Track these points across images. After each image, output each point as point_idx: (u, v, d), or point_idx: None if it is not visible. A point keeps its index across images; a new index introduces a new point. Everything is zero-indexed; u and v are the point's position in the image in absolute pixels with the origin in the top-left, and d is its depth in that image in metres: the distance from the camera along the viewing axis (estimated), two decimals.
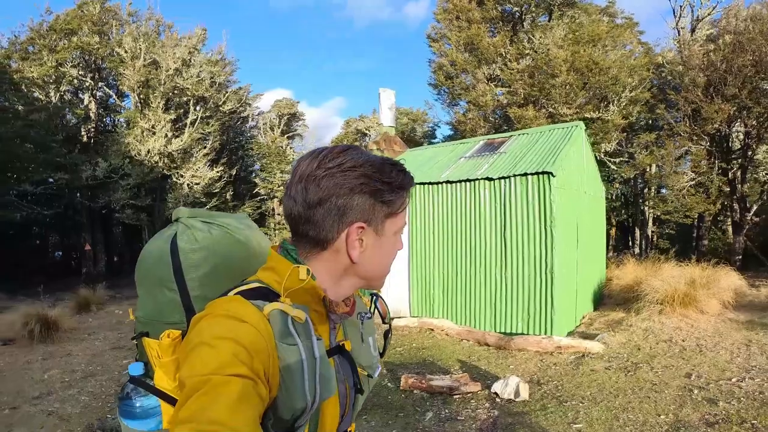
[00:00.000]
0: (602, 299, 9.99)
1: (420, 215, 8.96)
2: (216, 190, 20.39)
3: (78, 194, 19.41)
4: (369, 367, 1.14)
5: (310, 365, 0.88)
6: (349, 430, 1.12)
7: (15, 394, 5.45)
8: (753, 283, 10.55)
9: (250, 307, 0.88)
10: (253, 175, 28.30)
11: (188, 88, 19.42)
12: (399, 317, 8.96)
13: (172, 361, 1.04)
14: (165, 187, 19.17)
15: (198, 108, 19.65)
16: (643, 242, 21.15)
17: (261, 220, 27.16)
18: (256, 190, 26.99)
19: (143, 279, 1.14)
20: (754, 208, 14.79)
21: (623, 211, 23.08)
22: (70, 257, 24.92)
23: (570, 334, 7.72)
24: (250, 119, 29.33)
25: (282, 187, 26.32)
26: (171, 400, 1.04)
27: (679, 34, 18.94)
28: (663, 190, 17.58)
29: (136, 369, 1.08)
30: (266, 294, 0.94)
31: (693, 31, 18.06)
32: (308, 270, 0.95)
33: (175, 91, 19.52)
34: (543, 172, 7.34)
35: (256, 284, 0.96)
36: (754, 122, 13.52)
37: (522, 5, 17.73)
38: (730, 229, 18.01)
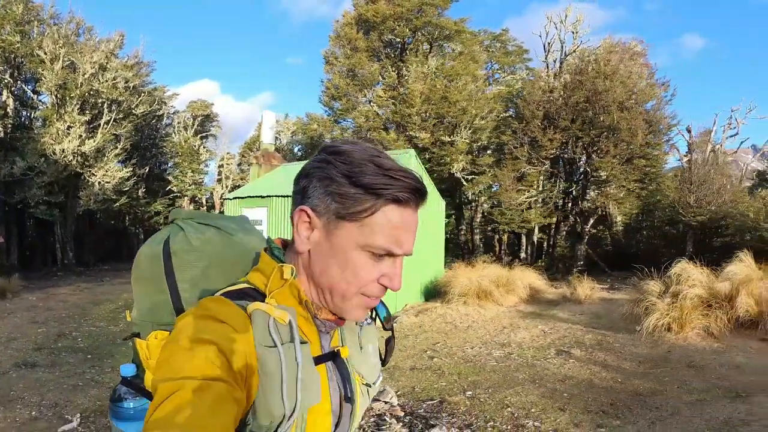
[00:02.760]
0: (436, 294, 12.55)
1: (277, 226, 11.25)
2: (126, 188, 21.70)
3: None
4: (368, 376, 1.09)
5: (291, 370, 0.84)
6: None
7: None
8: (553, 283, 13.41)
9: (232, 308, 0.86)
10: (167, 172, 29.48)
11: (103, 92, 20.74)
12: None
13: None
14: (78, 185, 20.44)
15: (112, 110, 21.00)
16: (529, 248, 23.69)
17: None
18: (169, 187, 28.27)
19: (137, 280, 1.10)
20: (591, 221, 18.04)
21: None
22: None
23: None
24: (165, 117, 30.55)
25: (193, 186, 27.90)
26: None
27: (548, 68, 22.04)
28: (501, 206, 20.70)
29: (128, 370, 1.05)
30: (252, 295, 0.92)
31: (561, 63, 21.10)
32: (292, 270, 0.92)
33: (91, 92, 20.77)
34: None
35: (244, 285, 0.95)
36: (582, 150, 16.75)
37: (404, 37, 20.27)
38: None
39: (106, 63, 21.28)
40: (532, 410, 4.93)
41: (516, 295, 11.30)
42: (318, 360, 0.94)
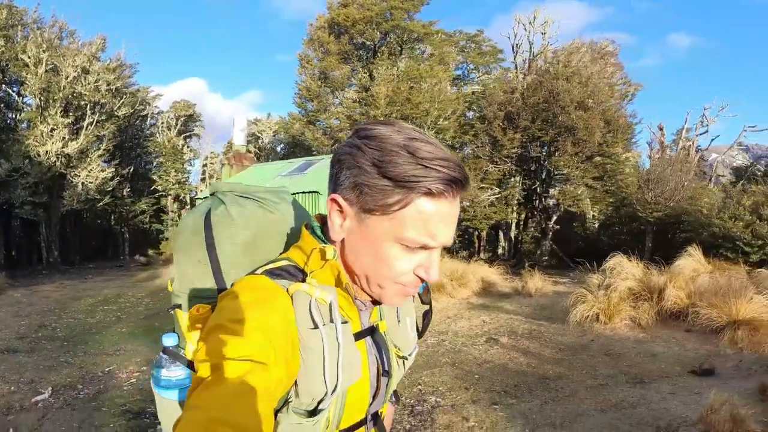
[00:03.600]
0: None
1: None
2: (109, 188, 22.27)
3: None
4: (405, 348, 1.10)
5: (332, 351, 0.86)
6: (380, 410, 1.09)
7: None
8: (514, 277, 13.82)
9: (274, 287, 0.87)
10: (151, 172, 30.01)
11: (86, 94, 21.29)
12: None
13: (198, 337, 0.98)
14: (62, 185, 20.99)
15: (95, 112, 21.55)
16: (507, 244, 24.22)
17: (157, 215, 29.11)
18: (153, 186, 28.82)
19: (178, 252, 1.11)
20: (554, 218, 18.83)
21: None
22: None
23: None
24: (149, 118, 31.08)
25: (177, 185, 28.46)
26: None
27: (516, 69, 22.75)
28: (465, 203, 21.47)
29: (170, 340, 1.06)
30: (293, 273, 0.92)
31: (530, 64, 21.83)
32: (334, 250, 0.92)
33: (74, 95, 21.30)
34: (313, 192, 10.55)
35: (285, 262, 0.95)
36: (540, 148, 17.54)
37: (374, 40, 20.97)
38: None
39: (89, 66, 21.79)
40: (440, 388, 5.42)
41: (469, 289, 11.78)
42: (358, 336, 0.95)
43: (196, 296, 1.06)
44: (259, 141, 31.12)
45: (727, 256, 13.14)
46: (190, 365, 1.04)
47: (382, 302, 0.97)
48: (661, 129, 28.66)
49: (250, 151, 28.19)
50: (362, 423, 1.01)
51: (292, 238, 1.06)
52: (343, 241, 0.94)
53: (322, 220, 1.01)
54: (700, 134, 27.60)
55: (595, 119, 16.17)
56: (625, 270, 9.01)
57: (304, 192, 10.82)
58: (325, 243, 0.94)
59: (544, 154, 18.06)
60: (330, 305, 0.87)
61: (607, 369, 6.15)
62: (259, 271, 0.92)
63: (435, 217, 0.85)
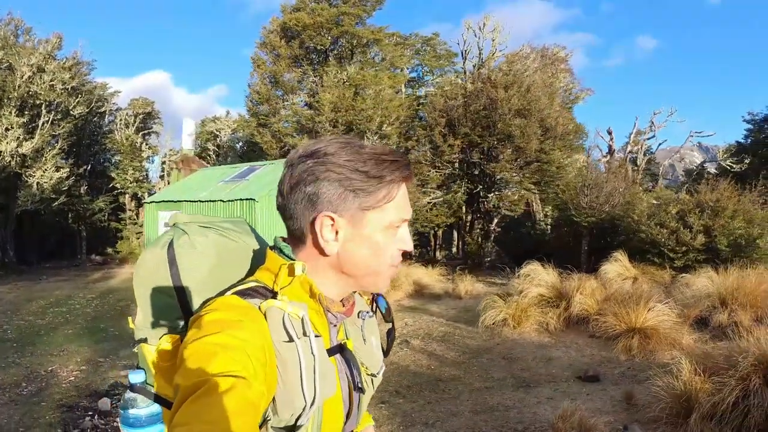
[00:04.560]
0: None
1: None
2: (65, 188, 22.37)
3: None
4: (372, 367, 1.14)
5: (308, 363, 0.88)
6: (354, 430, 1.12)
7: None
8: (443, 278, 14.33)
9: (246, 305, 0.91)
10: (110, 169, 29.95)
11: (41, 94, 21.35)
12: None
13: (171, 366, 0.97)
14: (17, 185, 21.06)
15: (50, 111, 21.62)
16: (461, 244, 24.83)
17: (115, 213, 29.17)
18: (112, 184, 28.84)
19: (140, 286, 1.09)
20: (495, 220, 19.74)
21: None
22: None
23: None
24: (107, 115, 31.04)
25: (134, 183, 28.56)
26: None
27: (465, 75, 23.48)
28: None
29: (138, 377, 1.00)
30: (262, 293, 0.95)
31: (478, 70, 22.54)
32: (303, 266, 0.95)
33: (29, 94, 21.35)
34: (249, 199, 11.13)
35: (253, 283, 0.98)
36: (480, 155, 18.39)
37: (324, 45, 21.57)
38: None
39: (44, 65, 21.86)
40: None
41: (402, 291, 12.22)
42: (329, 352, 0.98)
43: (163, 327, 1.05)
44: (218, 139, 31.34)
45: (654, 261, 13.67)
46: (159, 400, 1.00)
47: (380, 290, 1.08)
48: (610, 133, 29.85)
49: (201, 156, 28.48)
50: None
51: (256, 264, 1.09)
52: (337, 255, 0.98)
53: (289, 241, 1.04)
54: (648, 139, 28.86)
55: (532, 127, 16.90)
56: (538, 276, 9.43)
57: (241, 199, 11.37)
58: (293, 260, 0.99)
59: (484, 159, 18.86)
60: (302, 320, 0.90)
61: (500, 372, 6.46)
62: (228, 292, 0.96)
63: (405, 196, 1.01)
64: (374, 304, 1.19)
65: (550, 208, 21.18)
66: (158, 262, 1.07)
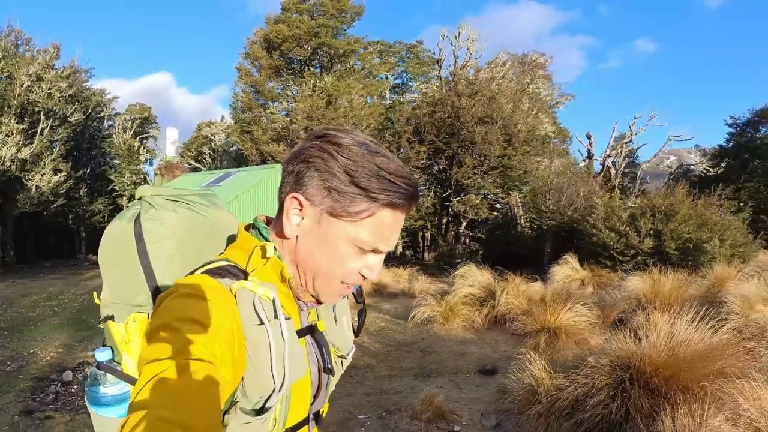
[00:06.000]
0: None
1: None
2: (63, 191, 23.46)
3: None
4: (343, 348, 1.15)
5: (278, 346, 0.88)
6: (321, 410, 1.12)
7: None
8: (407, 280, 14.96)
9: (216, 285, 0.89)
10: (108, 172, 31.02)
11: (39, 102, 22.40)
12: None
13: (139, 345, 0.99)
14: (16, 189, 22.12)
15: (48, 118, 22.66)
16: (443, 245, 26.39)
17: (113, 214, 30.11)
18: (111, 186, 29.98)
19: (106, 261, 1.08)
20: (464, 223, 20.70)
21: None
22: None
23: None
24: (106, 119, 32.19)
25: (132, 186, 29.61)
26: None
27: (441, 82, 24.38)
28: None
29: (104, 354, 1.03)
30: (233, 272, 0.94)
31: (453, 79, 23.45)
32: (275, 248, 0.95)
33: (28, 102, 22.39)
34: None
35: (224, 263, 0.96)
36: (445, 160, 19.38)
37: (303, 56, 22.64)
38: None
39: (43, 74, 22.90)
40: None
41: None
42: (298, 334, 0.99)
43: (131, 305, 1.03)
44: (212, 143, 32.39)
45: (606, 264, 14.11)
46: (126, 378, 1.03)
47: (321, 300, 1.02)
48: (589, 137, 30.71)
49: (198, 159, 29.44)
50: (305, 422, 1.03)
51: (226, 240, 1.08)
52: (296, 240, 0.97)
53: (267, 220, 1.05)
54: (626, 143, 29.63)
55: (495, 133, 17.68)
56: (472, 276, 9.99)
57: None
58: (267, 242, 0.97)
59: (448, 165, 19.76)
60: (273, 302, 0.90)
61: (410, 363, 6.80)
62: (199, 271, 0.94)
63: (391, 227, 0.94)
64: None
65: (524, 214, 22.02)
66: (125, 237, 1.05)
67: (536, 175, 19.31)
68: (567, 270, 13.09)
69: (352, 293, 1.10)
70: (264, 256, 0.95)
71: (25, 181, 21.96)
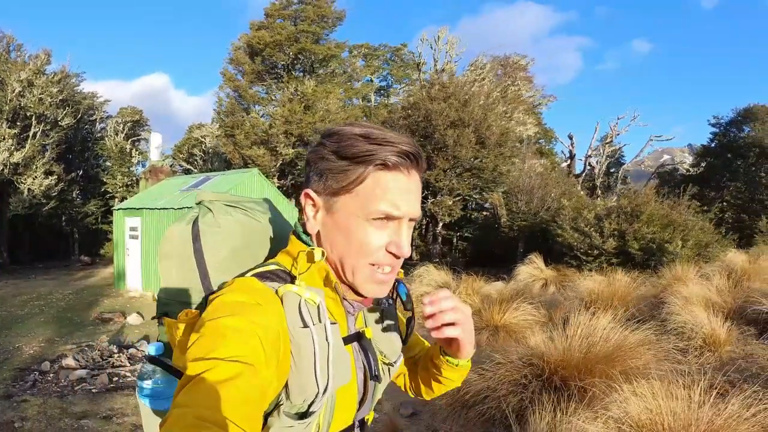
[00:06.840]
0: None
1: (149, 234, 13.87)
2: (54, 193, 23.98)
3: None
4: (391, 355, 1.13)
5: (322, 350, 0.88)
6: (366, 417, 1.11)
7: None
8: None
9: (264, 288, 0.91)
10: (101, 174, 31.53)
11: (31, 107, 22.94)
12: None
13: (187, 341, 0.93)
14: (8, 192, 22.70)
15: (40, 122, 23.19)
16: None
17: (105, 216, 30.74)
18: (104, 188, 30.57)
19: (165, 260, 1.13)
20: (440, 225, 21.26)
21: None
22: None
23: None
24: (98, 122, 32.77)
25: (123, 188, 30.18)
26: None
27: (420, 84, 24.86)
28: None
29: (155, 349, 1.06)
30: (281, 276, 0.96)
31: (431, 78, 23.96)
32: (322, 252, 0.96)
33: (20, 107, 22.94)
34: (192, 207, 12.72)
35: (273, 266, 0.98)
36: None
37: (285, 62, 23.28)
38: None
39: (34, 80, 23.40)
40: None
41: None
42: (345, 340, 0.99)
43: (184, 302, 1.07)
44: (203, 145, 32.97)
45: (572, 264, 14.28)
46: (176, 373, 1.06)
47: (360, 291, 1.00)
48: (570, 138, 31.32)
49: (189, 161, 30.02)
50: (350, 430, 1.04)
51: (278, 245, 1.10)
52: (319, 235, 1.00)
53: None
54: (608, 143, 30.19)
55: (467, 136, 18.03)
56: (430, 276, 10.48)
57: (188, 207, 12.76)
58: (312, 246, 0.99)
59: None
60: (319, 306, 0.91)
61: None
62: (248, 274, 0.96)
63: (395, 189, 0.93)
64: (395, 292, 1.13)
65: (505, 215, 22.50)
66: (182, 237, 1.11)
67: (508, 176, 19.62)
68: (531, 270, 13.27)
69: (401, 300, 1.13)
70: (310, 260, 0.96)
71: (17, 185, 22.50)
